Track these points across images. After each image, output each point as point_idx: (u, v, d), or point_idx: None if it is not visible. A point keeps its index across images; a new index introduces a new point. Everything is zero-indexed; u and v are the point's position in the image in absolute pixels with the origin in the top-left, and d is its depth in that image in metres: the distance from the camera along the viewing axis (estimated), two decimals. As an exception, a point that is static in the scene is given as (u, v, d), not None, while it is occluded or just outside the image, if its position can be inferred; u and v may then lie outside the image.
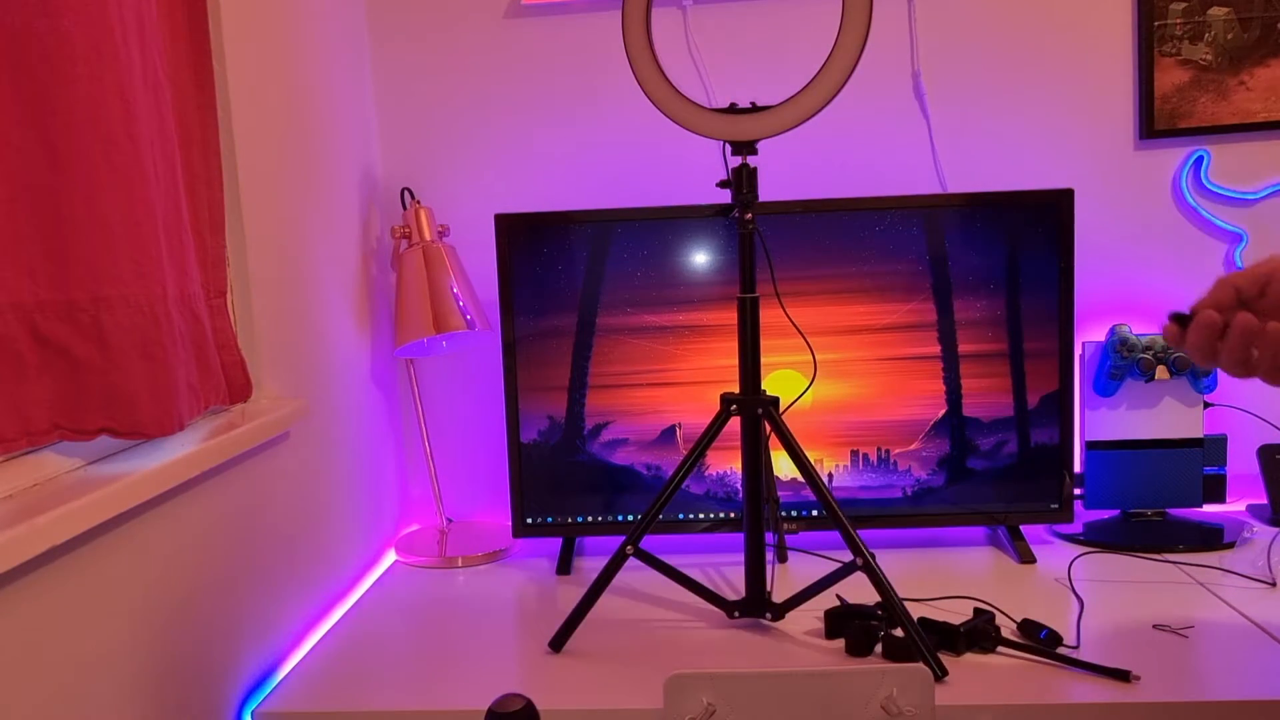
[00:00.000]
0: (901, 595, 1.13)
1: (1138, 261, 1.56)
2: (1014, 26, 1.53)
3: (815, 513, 1.44)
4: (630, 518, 1.45)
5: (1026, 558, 1.38)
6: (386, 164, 1.63)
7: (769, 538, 1.21)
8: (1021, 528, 1.44)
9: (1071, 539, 1.45)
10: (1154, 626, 1.16)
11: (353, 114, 1.51)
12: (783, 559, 1.42)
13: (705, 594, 1.21)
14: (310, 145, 1.34)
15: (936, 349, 1.41)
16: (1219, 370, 0.82)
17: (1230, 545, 1.38)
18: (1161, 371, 1.43)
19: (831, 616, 1.17)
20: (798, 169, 1.58)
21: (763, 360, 1.23)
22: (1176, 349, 0.82)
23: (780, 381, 1.42)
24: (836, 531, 1.17)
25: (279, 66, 1.26)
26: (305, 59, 1.34)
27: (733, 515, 1.44)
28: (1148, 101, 1.51)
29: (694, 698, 0.94)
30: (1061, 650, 1.10)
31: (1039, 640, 1.11)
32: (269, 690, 1.12)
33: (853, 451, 1.43)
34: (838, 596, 1.23)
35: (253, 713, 1.07)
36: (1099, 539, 1.43)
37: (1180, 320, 0.81)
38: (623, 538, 1.19)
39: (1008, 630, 1.15)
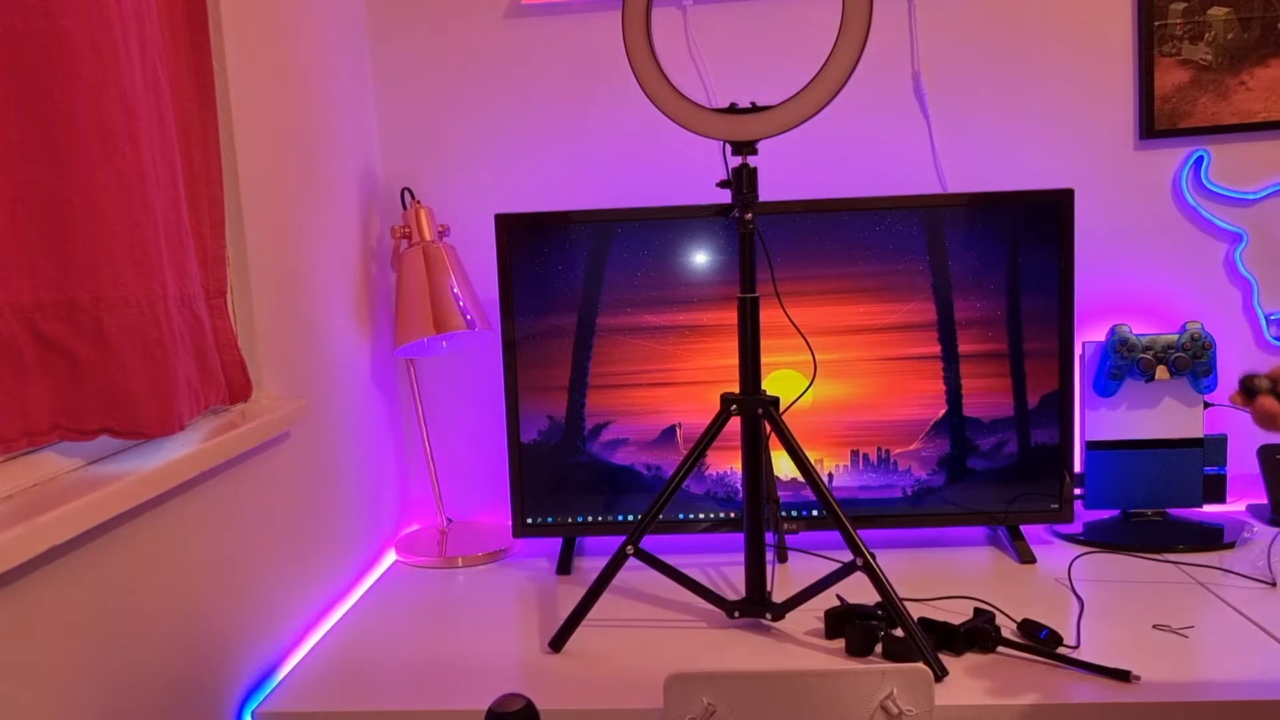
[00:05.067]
0: (901, 595, 1.13)
1: (1138, 261, 1.56)
2: (1014, 26, 1.53)
3: (815, 513, 1.44)
4: (630, 518, 1.45)
5: (1026, 558, 1.38)
6: (386, 164, 1.63)
7: (769, 538, 1.21)
8: (1021, 528, 1.44)
9: (1071, 539, 1.45)
10: (1154, 626, 1.16)
11: (353, 114, 1.51)
12: (783, 559, 1.42)
13: (705, 594, 1.21)
14: (310, 145, 1.34)
15: (936, 349, 1.41)
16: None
17: (1230, 545, 1.38)
18: (1161, 371, 1.43)
19: (831, 616, 1.17)
20: (798, 169, 1.58)
21: (763, 360, 1.23)
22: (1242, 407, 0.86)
23: (780, 381, 1.42)
24: (836, 531, 1.17)
25: (279, 66, 1.26)
26: (305, 59, 1.34)
27: (733, 515, 1.44)
28: (1148, 101, 1.51)
29: (694, 698, 0.94)
30: (1061, 650, 1.10)
31: (1039, 640, 1.11)
32: (269, 690, 1.12)
33: (853, 451, 1.43)
34: (838, 596, 1.23)
35: (253, 713, 1.07)
36: (1099, 539, 1.43)
37: (1247, 390, 0.84)
38: (623, 538, 1.19)
39: (1008, 630, 1.15)
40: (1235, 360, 1.56)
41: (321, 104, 1.39)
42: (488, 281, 1.61)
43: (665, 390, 1.43)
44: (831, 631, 1.17)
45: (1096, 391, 1.46)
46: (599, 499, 1.45)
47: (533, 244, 1.41)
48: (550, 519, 1.45)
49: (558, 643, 1.17)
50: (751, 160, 1.16)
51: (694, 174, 1.59)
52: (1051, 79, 1.54)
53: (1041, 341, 1.39)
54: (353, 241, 1.49)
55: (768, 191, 1.57)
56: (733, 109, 1.14)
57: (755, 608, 1.20)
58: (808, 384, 1.41)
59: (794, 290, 1.40)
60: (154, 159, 0.90)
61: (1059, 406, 1.40)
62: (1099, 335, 1.52)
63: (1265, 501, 1.51)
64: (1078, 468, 1.49)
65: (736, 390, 1.19)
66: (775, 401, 1.19)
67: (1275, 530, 1.44)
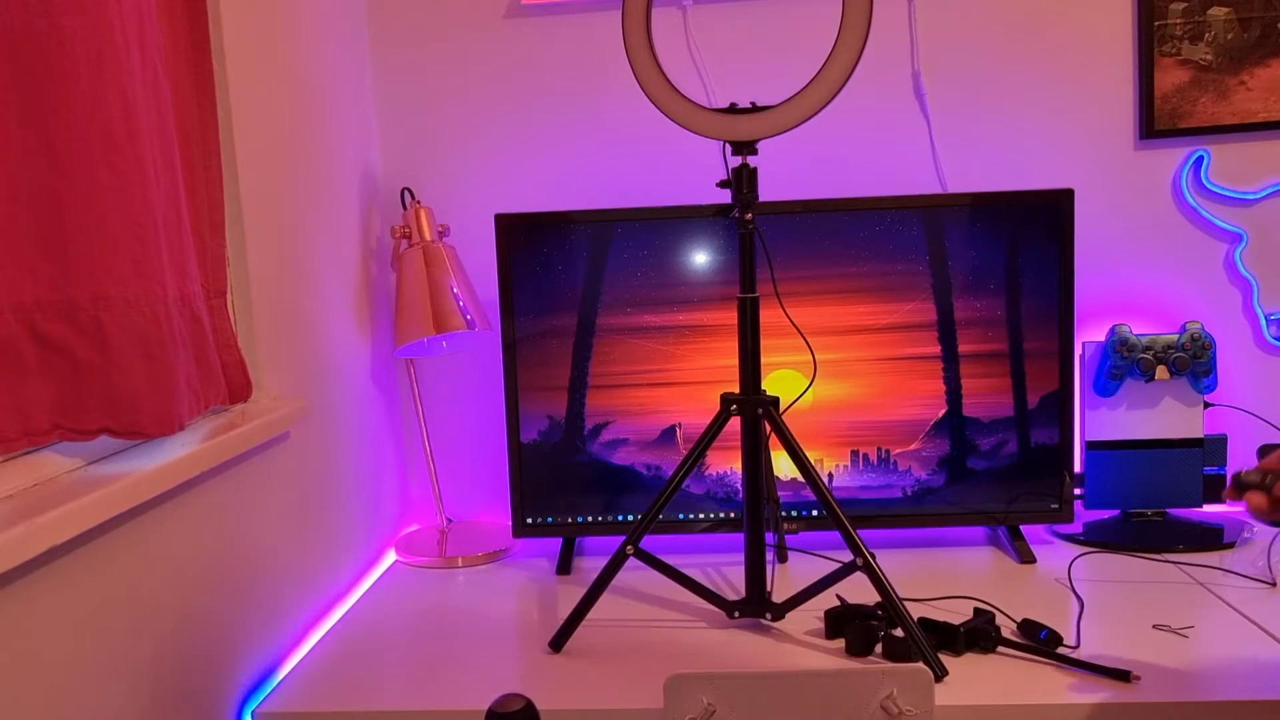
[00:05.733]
0: (901, 595, 1.13)
1: (1138, 261, 1.56)
2: (1014, 26, 1.53)
3: (815, 513, 1.44)
4: (630, 518, 1.45)
5: (1026, 558, 1.38)
6: (386, 164, 1.63)
7: (769, 538, 1.21)
8: (1021, 528, 1.44)
9: (1071, 539, 1.45)
10: (1154, 626, 1.16)
11: (353, 114, 1.51)
12: (783, 559, 1.42)
13: (705, 594, 1.21)
14: (310, 145, 1.34)
15: (936, 349, 1.41)
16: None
17: (1230, 545, 1.38)
18: (1161, 371, 1.43)
19: (831, 616, 1.17)
20: (798, 169, 1.58)
21: (763, 360, 1.23)
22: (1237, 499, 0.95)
23: (780, 381, 1.42)
24: (836, 531, 1.17)
25: (279, 67, 1.26)
26: (305, 59, 1.34)
27: (733, 515, 1.44)
28: (1148, 101, 1.51)
29: (694, 698, 0.94)
30: (1061, 650, 1.10)
31: (1039, 640, 1.11)
32: (269, 690, 1.12)
33: (853, 451, 1.43)
34: (838, 596, 1.23)
35: (253, 713, 1.07)
36: (1099, 539, 1.43)
37: (1238, 485, 0.90)
38: (623, 538, 1.19)
39: (1008, 630, 1.15)
40: (1235, 360, 1.56)
41: (321, 104, 1.39)
42: (488, 281, 1.61)
43: (665, 390, 1.43)
44: (831, 631, 1.17)
45: (1096, 391, 1.46)
46: (599, 499, 1.45)
47: (533, 244, 1.41)
48: (550, 519, 1.45)
49: (558, 643, 1.17)
50: (751, 160, 1.16)
51: (694, 174, 1.59)
52: (1051, 79, 1.54)
53: (1041, 341, 1.39)
54: (353, 241, 1.49)
55: (768, 191, 1.57)
56: (733, 109, 1.14)
57: (755, 608, 1.20)
58: (807, 384, 1.41)
59: (794, 290, 1.40)
60: (154, 159, 0.90)
61: (1059, 406, 1.40)
62: (1099, 335, 1.52)
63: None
64: (1078, 468, 1.49)
65: (736, 390, 1.19)
66: (775, 401, 1.19)
67: (1275, 530, 1.44)
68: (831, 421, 1.42)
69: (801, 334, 1.38)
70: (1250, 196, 1.53)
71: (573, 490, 1.45)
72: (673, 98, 1.15)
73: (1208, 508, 1.50)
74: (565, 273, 1.41)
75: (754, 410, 1.18)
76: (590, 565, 1.47)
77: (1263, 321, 1.55)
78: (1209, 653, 1.09)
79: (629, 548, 1.18)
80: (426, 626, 1.27)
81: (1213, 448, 1.47)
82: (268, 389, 1.18)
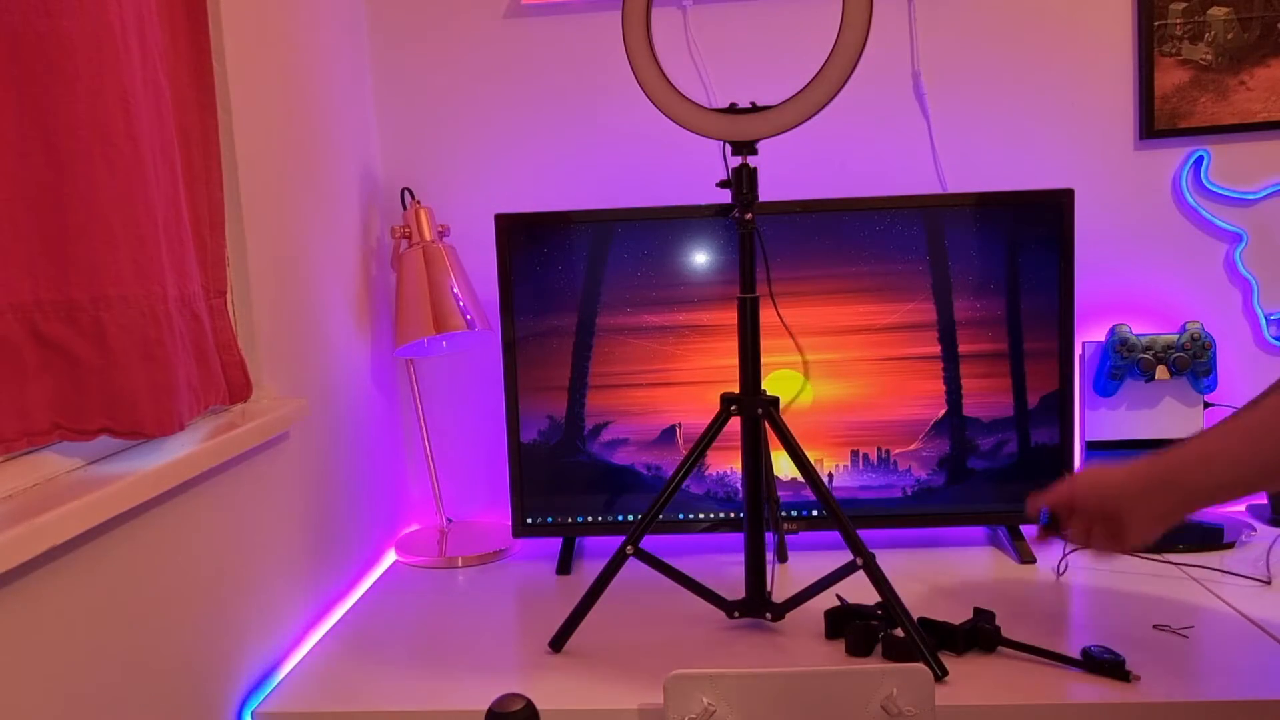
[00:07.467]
0: (901, 595, 1.13)
1: (1138, 261, 1.56)
2: (1014, 26, 1.53)
3: (815, 513, 1.44)
4: (630, 518, 1.45)
5: (1026, 558, 1.38)
6: (386, 164, 1.63)
7: (769, 538, 1.21)
8: (1022, 528, 1.44)
9: (1071, 539, 1.45)
10: (1154, 626, 1.16)
11: (353, 114, 1.51)
12: (783, 559, 1.42)
13: (705, 594, 1.21)
14: (310, 145, 1.34)
15: (936, 349, 1.41)
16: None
17: (1230, 545, 1.38)
18: (1161, 371, 1.43)
19: (831, 616, 1.17)
20: (798, 169, 1.58)
21: (763, 360, 1.23)
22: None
23: (780, 381, 1.42)
24: (836, 531, 1.17)
25: (279, 66, 1.26)
26: (305, 59, 1.34)
27: (733, 515, 1.44)
28: (1148, 101, 1.51)
29: (694, 698, 0.94)
30: (1060, 651, 1.10)
31: (1042, 526, 1.06)
32: (269, 690, 1.12)
33: (853, 451, 1.43)
34: (838, 596, 1.23)
35: (253, 713, 1.07)
36: (1099, 539, 1.43)
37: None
38: (623, 538, 1.19)
39: (1008, 630, 1.15)
40: (1235, 360, 1.56)
41: (321, 104, 1.39)
42: (488, 281, 1.61)
43: (665, 390, 1.43)
44: (831, 631, 1.17)
45: (1096, 391, 1.46)
46: (599, 499, 1.45)
47: (533, 244, 1.41)
48: (550, 519, 1.45)
49: (558, 643, 1.17)
50: (751, 160, 1.16)
51: (694, 174, 1.59)
52: (1051, 79, 1.54)
53: (1041, 341, 1.39)
54: (353, 241, 1.49)
55: (768, 191, 1.57)
56: (733, 109, 1.14)
57: (755, 608, 1.20)
58: (801, 386, 1.41)
59: (794, 290, 1.40)
60: (154, 159, 0.90)
61: (1059, 406, 1.40)
62: (1099, 335, 1.52)
63: (1265, 501, 1.51)
64: (1078, 468, 1.49)
65: (736, 390, 1.19)
66: (775, 401, 1.19)
67: (1275, 530, 1.44)
68: (831, 421, 1.42)
69: (791, 334, 1.38)
70: (1250, 196, 1.53)
71: (573, 490, 1.45)
72: (673, 98, 1.15)
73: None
74: (565, 273, 1.41)
75: (754, 410, 1.18)
76: (590, 565, 1.47)
77: (1263, 321, 1.55)
78: (1209, 653, 1.09)
79: (629, 548, 1.18)
80: (426, 626, 1.27)
81: (1213, 448, 1.46)
82: (268, 389, 1.18)
